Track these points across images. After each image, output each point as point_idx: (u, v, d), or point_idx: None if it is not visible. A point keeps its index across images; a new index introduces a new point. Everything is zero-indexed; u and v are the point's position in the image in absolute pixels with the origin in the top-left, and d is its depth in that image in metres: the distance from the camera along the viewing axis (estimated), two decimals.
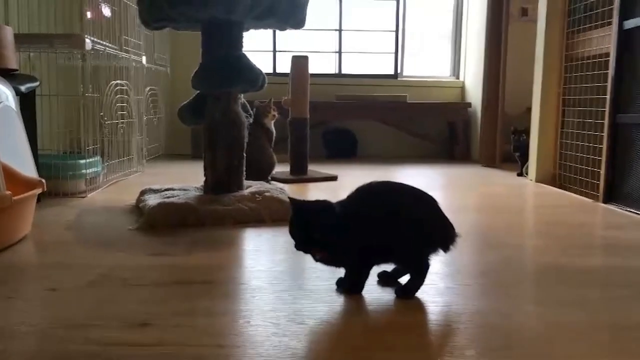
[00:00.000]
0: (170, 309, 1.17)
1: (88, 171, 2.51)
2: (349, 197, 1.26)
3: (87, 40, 2.44)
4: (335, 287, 1.29)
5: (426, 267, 1.25)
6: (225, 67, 2.12)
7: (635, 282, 1.40)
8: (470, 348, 0.98)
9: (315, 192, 2.75)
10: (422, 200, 1.26)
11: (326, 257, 1.24)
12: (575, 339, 1.04)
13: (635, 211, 2.28)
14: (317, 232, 1.18)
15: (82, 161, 2.49)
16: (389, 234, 1.20)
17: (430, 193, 1.26)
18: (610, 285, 1.38)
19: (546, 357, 0.97)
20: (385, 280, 1.33)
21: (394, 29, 4.68)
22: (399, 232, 1.21)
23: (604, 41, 2.60)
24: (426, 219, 1.24)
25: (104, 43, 2.68)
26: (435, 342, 1.02)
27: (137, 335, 1.03)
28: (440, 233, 1.25)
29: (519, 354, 0.98)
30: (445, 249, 1.24)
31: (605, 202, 2.50)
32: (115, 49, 2.87)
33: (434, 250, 1.24)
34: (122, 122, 2.97)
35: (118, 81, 2.90)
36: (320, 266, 1.48)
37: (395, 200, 1.24)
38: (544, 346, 1.01)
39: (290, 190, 2.54)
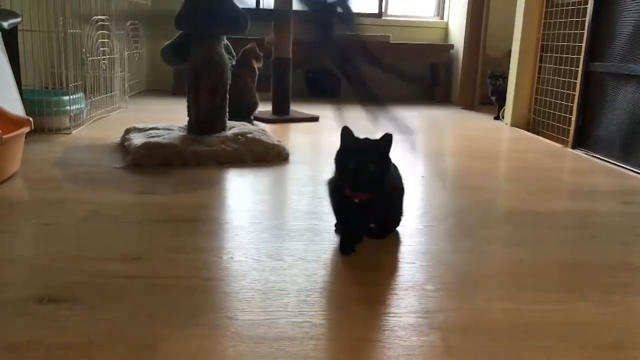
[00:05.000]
0: (159, 244, 1.26)
1: (72, 108, 2.54)
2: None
3: None
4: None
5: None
6: (209, 9, 2.13)
7: (585, 224, 1.53)
8: (430, 284, 1.10)
9: (297, 134, 2.83)
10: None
11: (368, 202, 1.23)
12: (519, 276, 1.17)
13: (600, 157, 2.41)
14: (381, 171, 1.20)
15: (66, 97, 2.51)
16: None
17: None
18: (563, 227, 1.51)
19: (493, 289, 1.10)
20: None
21: None
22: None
23: None
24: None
25: None
26: (399, 278, 1.13)
27: (132, 268, 1.13)
28: None
29: (470, 289, 1.10)
30: None
31: (573, 147, 2.62)
32: None
33: None
34: (104, 59, 2.96)
35: (99, 16, 2.87)
36: (299, 207, 1.59)
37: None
38: (492, 280, 1.14)
39: (272, 131, 2.61)
